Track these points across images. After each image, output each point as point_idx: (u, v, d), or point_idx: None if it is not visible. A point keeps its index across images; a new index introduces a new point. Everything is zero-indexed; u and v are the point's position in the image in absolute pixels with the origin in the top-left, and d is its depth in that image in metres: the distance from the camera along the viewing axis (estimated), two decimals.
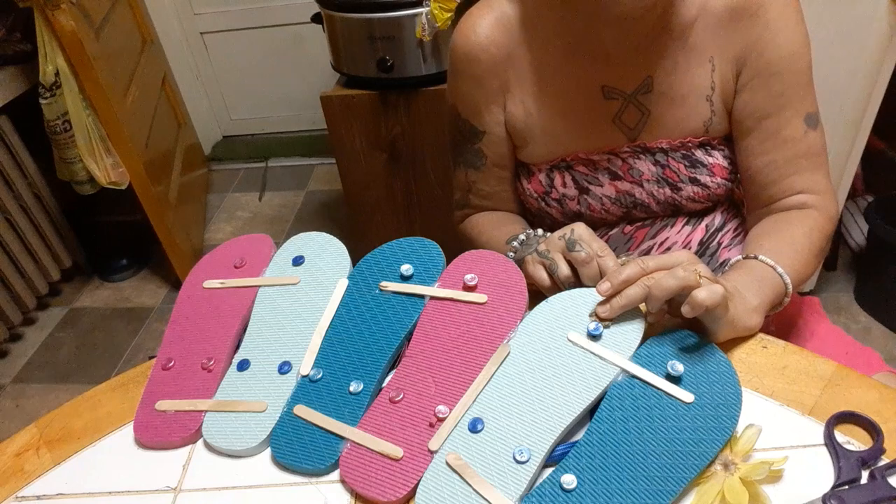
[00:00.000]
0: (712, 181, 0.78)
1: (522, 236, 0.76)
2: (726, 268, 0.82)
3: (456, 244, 0.87)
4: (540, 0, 0.75)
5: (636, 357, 0.59)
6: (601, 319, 0.61)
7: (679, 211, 0.81)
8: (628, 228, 0.83)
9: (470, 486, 0.53)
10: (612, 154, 0.79)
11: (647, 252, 0.82)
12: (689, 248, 0.81)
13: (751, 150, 0.76)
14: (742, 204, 0.87)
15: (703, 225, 0.81)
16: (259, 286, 0.73)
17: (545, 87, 0.78)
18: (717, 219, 0.82)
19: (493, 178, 0.88)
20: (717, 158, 0.78)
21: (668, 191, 0.79)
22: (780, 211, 0.76)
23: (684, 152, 0.77)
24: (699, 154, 0.77)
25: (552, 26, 0.76)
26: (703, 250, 0.81)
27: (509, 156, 0.86)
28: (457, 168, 0.90)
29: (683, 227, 0.81)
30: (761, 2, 0.70)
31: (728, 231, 0.83)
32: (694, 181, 0.78)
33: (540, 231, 0.75)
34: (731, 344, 0.63)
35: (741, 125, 0.75)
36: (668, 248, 0.80)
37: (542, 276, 0.67)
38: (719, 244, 0.82)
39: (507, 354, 0.62)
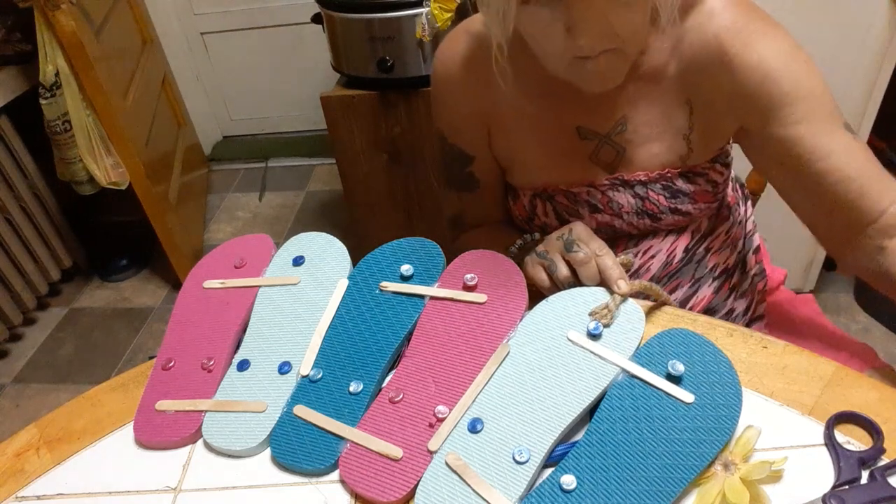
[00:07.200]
0: (694, 207, 0.76)
1: (520, 241, 0.76)
2: (716, 273, 0.81)
3: None
4: (513, 39, 0.69)
5: (636, 357, 0.59)
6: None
7: (660, 230, 0.79)
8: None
9: (469, 486, 0.53)
10: (592, 186, 0.77)
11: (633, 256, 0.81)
12: (675, 256, 0.79)
13: (809, 183, 0.66)
14: (735, 205, 0.86)
15: (688, 232, 0.79)
16: (259, 286, 0.73)
17: (522, 121, 0.77)
18: (704, 224, 0.80)
19: (486, 201, 0.87)
20: (700, 184, 0.75)
21: (647, 221, 0.77)
22: (888, 226, 0.64)
23: (664, 183, 0.75)
24: (680, 183, 0.75)
25: (525, 65, 0.74)
26: (690, 257, 0.80)
27: (501, 178, 0.85)
28: (449, 189, 0.89)
29: (667, 235, 0.79)
30: (731, 53, 0.66)
31: (718, 235, 0.81)
32: (675, 211, 0.76)
33: (537, 235, 0.74)
34: (731, 344, 0.63)
35: (783, 165, 0.68)
36: (653, 257, 0.79)
37: (542, 276, 0.67)
38: (707, 250, 0.80)
39: (507, 354, 0.62)
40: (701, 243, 0.80)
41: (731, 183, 0.85)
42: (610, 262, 0.64)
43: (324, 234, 0.76)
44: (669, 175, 0.75)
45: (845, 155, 0.65)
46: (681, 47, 0.69)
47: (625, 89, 0.72)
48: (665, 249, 0.79)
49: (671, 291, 0.80)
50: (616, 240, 0.80)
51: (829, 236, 0.70)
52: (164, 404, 0.65)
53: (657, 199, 0.75)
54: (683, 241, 0.79)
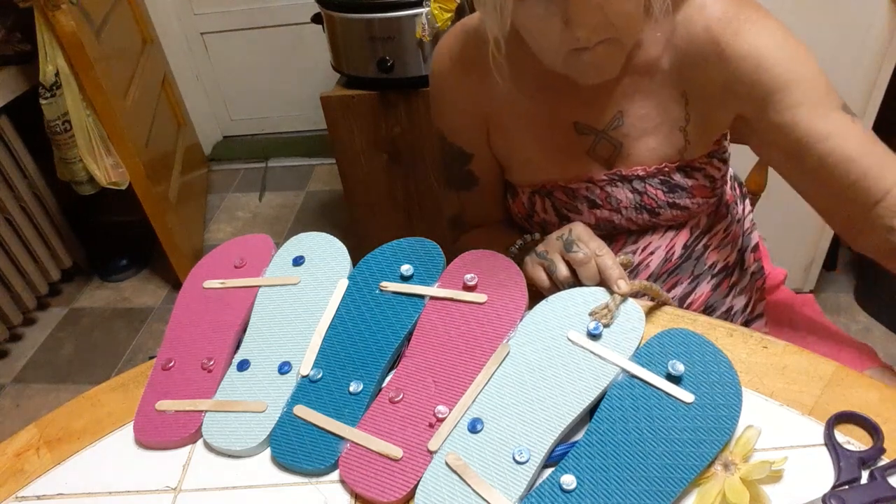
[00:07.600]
0: (692, 202, 0.76)
1: (520, 241, 0.76)
2: (715, 270, 0.81)
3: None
4: (510, 36, 0.70)
5: (636, 357, 0.59)
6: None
7: (659, 225, 0.79)
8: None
9: (469, 486, 0.53)
10: (590, 182, 0.77)
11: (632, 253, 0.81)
12: (673, 252, 0.79)
13: (811, 167, 0.66)
14: (733, 203, 0.86)
15: (686, 228, 0.79)
16: (259, 286, 0.73)
17: (520, 119, 0.77)
18: (703, 221, 0.80)
19: (486, 199, 0.87)
20: (698, 179, 0.75)
21: (646, 216, 0.77)
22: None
23: (662, 178, 0.75)
24: (678, 178, 0.75)
25: (522, 61, 0.74)
26: (689, 254, 0.80)
27: (500, 176, 0.85)
28: (449, 189, 0.89)
29: (666, 231, 0.79)
30: (723, 43, 0.66)
31: (717, 232, 0.82)
32: (673, 206, 0.76)
33: (538, 235, 0.74)
34: (731, 344, 0.63)
35: (784, 152, 0.68)
36: (652, 253, 0.79)
37: (542, 276, 0.67)
38: (706, 247, 0.80)
39: (507, 354, 0.62)
40: (700, 240, 0.80)
41: (729, 181, 0.85)
42: (610, 261, 0.64)
43: (324, 234, 0.76)
44: (667, 169, 0.75)
45: (844, 136, 0.64)
46: (674, 40, 0.70)
47: (620, 83, 0.73)
48: (664, 246, 0.79)
49: (670, 288, 0.80)
50: (615, 236, 0.80)
51: (838, 220, 0.70)
52: (164, 404, 0.65)
53: (655, 193, 0.75)
54: (682, 238, 0.79)
